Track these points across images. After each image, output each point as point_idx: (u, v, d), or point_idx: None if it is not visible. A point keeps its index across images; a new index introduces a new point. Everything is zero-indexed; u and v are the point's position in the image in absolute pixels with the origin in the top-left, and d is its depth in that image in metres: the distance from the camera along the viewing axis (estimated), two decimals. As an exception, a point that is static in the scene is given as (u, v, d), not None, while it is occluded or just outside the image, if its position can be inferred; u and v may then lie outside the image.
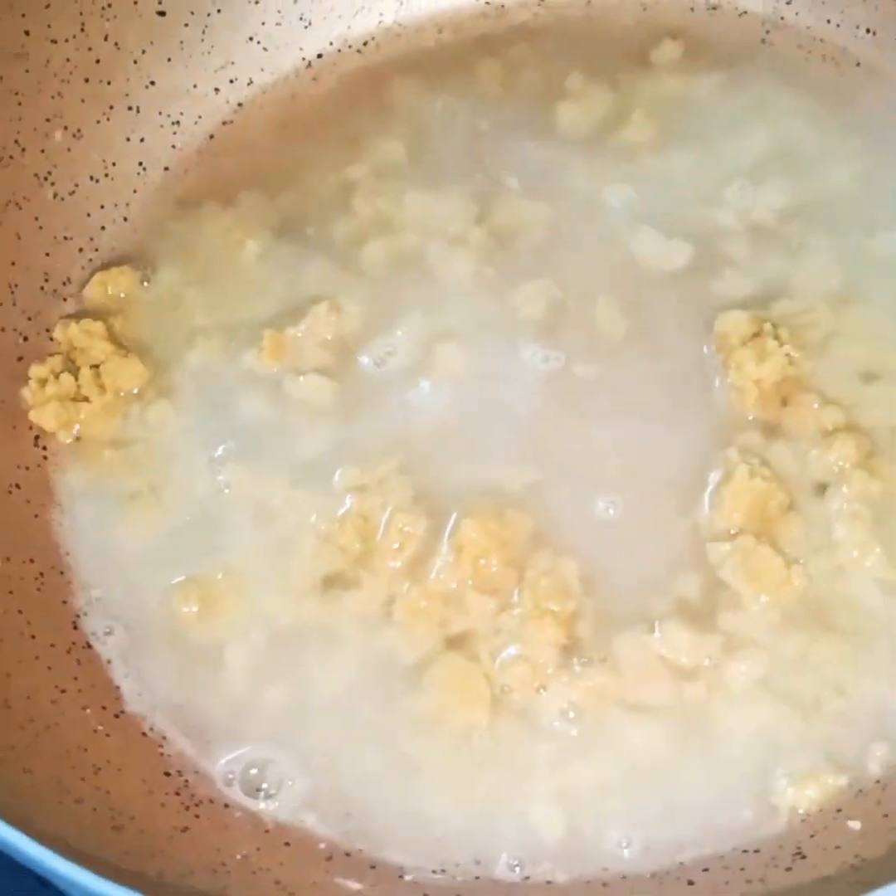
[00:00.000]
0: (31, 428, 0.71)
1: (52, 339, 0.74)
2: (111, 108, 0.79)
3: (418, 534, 0.66)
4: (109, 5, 0.77)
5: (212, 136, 0.82)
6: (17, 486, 0.70)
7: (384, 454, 0.69)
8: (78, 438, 0.72)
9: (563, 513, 0.67)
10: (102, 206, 0.79)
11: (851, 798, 0.58)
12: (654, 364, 0.71)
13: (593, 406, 0.70)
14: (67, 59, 0.76)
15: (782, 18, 0.82)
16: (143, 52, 0.80)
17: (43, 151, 0.76)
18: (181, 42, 0.81)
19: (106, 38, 0.78)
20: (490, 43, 0.84)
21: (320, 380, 0.72)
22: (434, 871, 0.59)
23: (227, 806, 0.61)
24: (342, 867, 0.59)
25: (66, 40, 0.76)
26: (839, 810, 0.58)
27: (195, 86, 0.82)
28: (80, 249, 0.77)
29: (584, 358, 0.71)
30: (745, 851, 0.58)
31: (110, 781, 0.59)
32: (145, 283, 0.77)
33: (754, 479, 0.64)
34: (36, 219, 0.76)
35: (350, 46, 0.85)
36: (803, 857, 0.56)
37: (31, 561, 0.68)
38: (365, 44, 0.85)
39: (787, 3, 0.82)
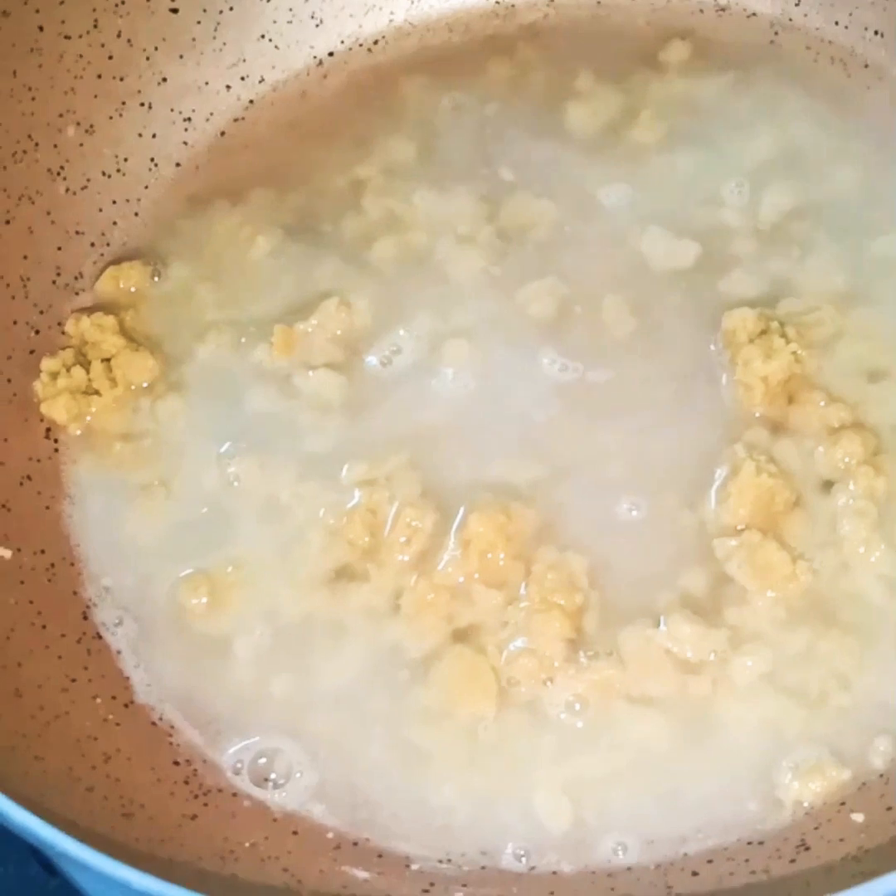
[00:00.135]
0: (42, 420, 0.72)
1: (63, 332, 0.75)
2: (123, 104, 0.80)
3: (426, 528, 0.66)
4: (123, 2, 0.78)
5: (223, 133, 0.83)
6: (29, 477, 0.70)
7: (392, 449, 0.69)
8: (88, 431, 0.72)
9: (570, 508, 0.67)
10: (114, 202, 0.79)
11: (855, 791, 0.59)
12: (661, 361, 0.71)
13: (600, 402, 0.70)
14: (80, 55, 0.77)
15: (791, 20, 0.83)
16: (156, 48, 0.80)
17: (55, 146, 0.77)
18: (193, 39, 0.82)
19: (119, 35, 0.78)
20: (500, 43, 0.84)
21: (329, 375, 0.72)
22: (440, 861, 0.59)
23: (235, 795, 0.62)
24: (349, 856, 0.59)
25: (80, 36, 0.77)
26: (843, 803, 0.58)
27: (207, 83, 0.82)
28: (92, 244, 0.78)
29: (592, 355, 0.72)
30: (749, 843, 0.58)
31: (120, 770, 0.60)
32: (156, 278, 0.77)
33: (761, 476, 0.65)
34: (48, 213, 0.76)
35: (361, 45, 0.85)
36: (807, 849, 0.56)
37: (42, 552, 0.68)
38: (376, 42, 0.85)
39: (796, 5, 0.82)
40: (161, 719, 0.64)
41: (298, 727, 0.63)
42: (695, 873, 0.57)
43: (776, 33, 0.83)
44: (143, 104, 0.80)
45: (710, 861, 0.58)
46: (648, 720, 0.61)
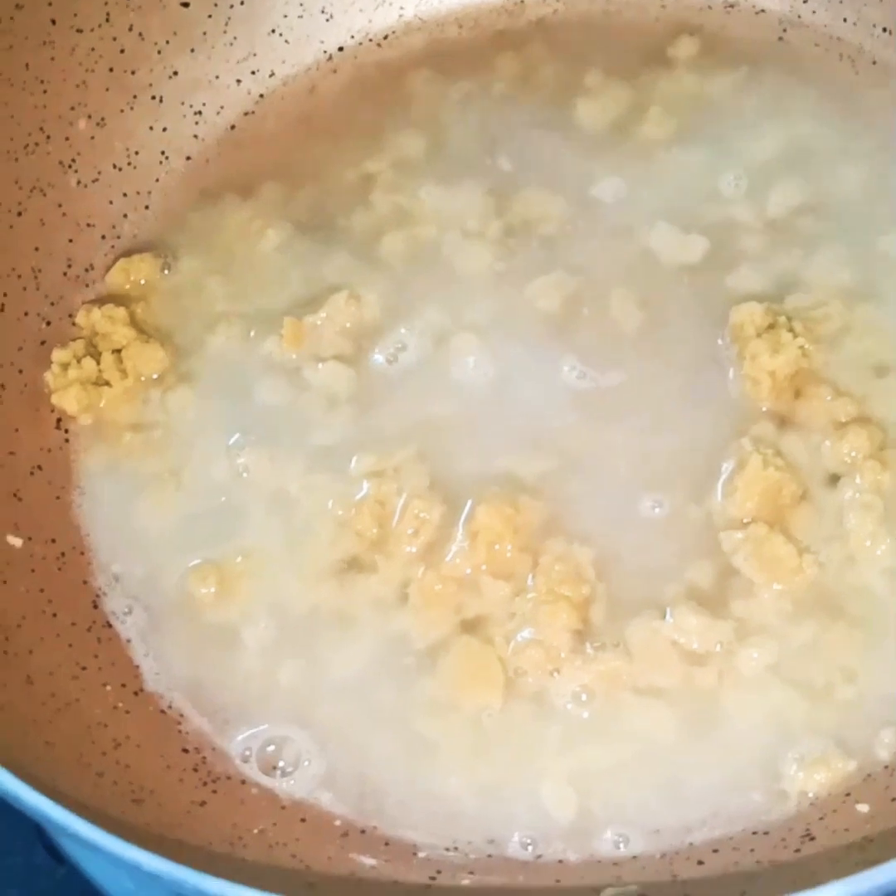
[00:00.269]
0: (52, 411, 0.73)
1: (74, 324, 0.75)
2: (135, 97, 0.80)
3: (434, 519, 0.67)
4: (135, -4, 0.79)
5: (233, 127, 0.83)
6: (40, 467, 0.71)
7: (400, 441, 0.70)
8: (99, 422, 0.73)
9: (577, 500, 0.67)
10: (125, 195, 0.80)
11: (860, 782, 0.59)
12: (668, 356, 0.71)
13: (608, 395, 0.71)
14: (92, 49, 0.78)
15: (799, 17, 0.83)
16: (167, 42, 0.81)
17: (67, 139, 0.77)
18: (204, 33, 0.82)
19: (130, 29, 0.79)
20: (509, 38, 0.85)
21: (339, 367, 0.73)
22: (447, 849, 0.60)
23: (243, 782, 0.62)
24: (357, 843, 0.60)
25: (92, 30, 0.77)
26: (848, 794, 0.59)
27: (217, 77, 0.83)
28: (103, 236, 0.78)
29: (599, 349, 0.72)
30: (755, 833, 0.58)
31: (130, 756, 0.60)
32: (166, 271, 0.78)
33: (767, 469, 0.65)
34: (59, 205, 0.77)
35: (370, 40, 0.86)
36: (812, 839, 0.57)
37: (53, 541, 0.69)
38: (385, 38, 0.86)
39: (804, 2, 0.83)
40: (170, 707, 0.65)
41: (307, 716, 0.64)
42: (700, 863, 0.58)
43: (784, 30, 0.83)
44: (154, 98, 0.81)
45: (715, 851, 0.58)
46: (654, 711, 0.62)
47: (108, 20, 0.78)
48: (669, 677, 0.62)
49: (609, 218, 0.77)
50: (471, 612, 0.65)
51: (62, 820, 0.46)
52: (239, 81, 0.84)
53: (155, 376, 0.74)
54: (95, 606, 0.68)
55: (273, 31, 0.84)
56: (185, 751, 0.63)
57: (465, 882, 0.58)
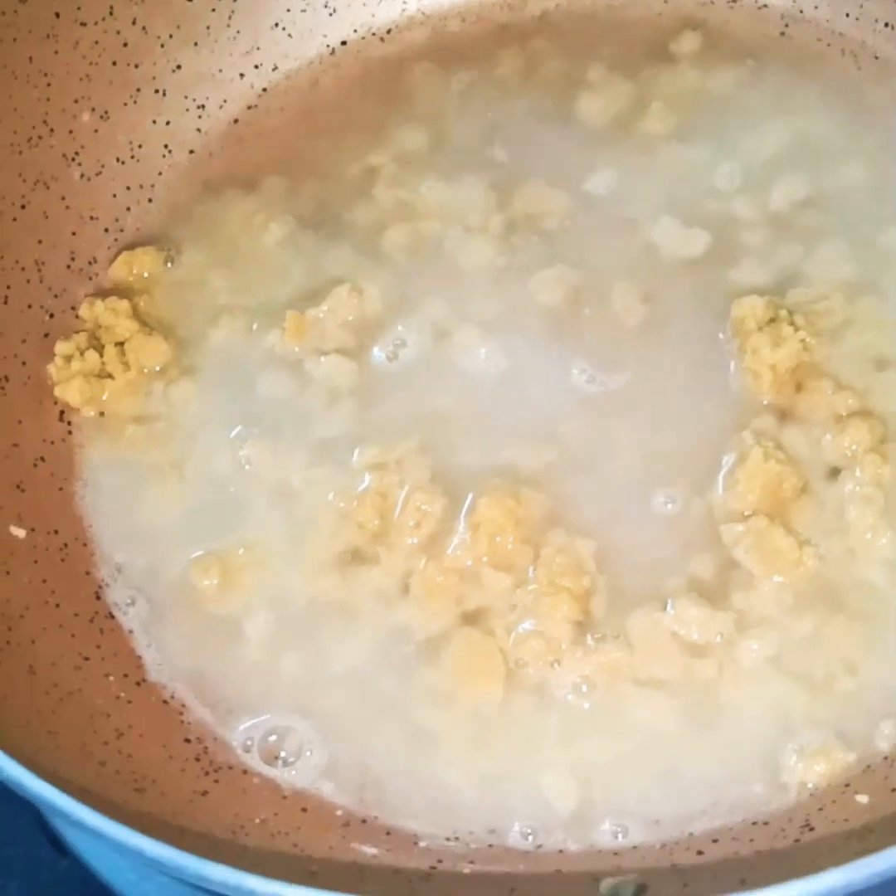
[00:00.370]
0: (56, 403, 0.73)
1: (77, 316, 0.75)
2: (138, 90, 0.80)
3: (435, 512, 0.67)
4: (138, -10, 0.79)
5: (236, 121, 0.83)
6: (43, 459, 0.71)
7: (402, 434, 0.70)
8: (102, 414, 0.73)
9: (578, 493, 0.68)
10: (128, 188, 0.80)
11: (859, 773, 0.59)
12: (670, 349, 0.72)
13: (609, 389, 0.71)
14: (96, 42, 0.78)
15: (801, 12, 0.83)
16: (171, 36, 0.81)
17: (71, 132, 0.77)
18: (208, 27, 0.82)
19: (134, 22, 0.79)
20: (512, 33, 0.85)
21: (341, 360, 0.73)
22: (448, 839, 0.60)
23: (245, 772, 0.62)
24: (358, 833, 0.60)
25: (95, 23, 0.77)
26: (847, 785, 0.59)
27: (220, 70, 0.83)
28: (106, 229, 0.79)
29: (601, 343, 0.72)
30: (754, 824, 0.59)
31: (132, 746, 0.61)
32: (169, 264, 0.78)
33: (768, 462, 0.65)
34: (63, 198, 0.77)
35: (374, 34, 0.86)
36: (811, 830, 0.57)
37: (56, 532, 0.69)
38: (388, 32, 0.86)
39: (807, -3, 0.83)
40: (172, 697, 0.65)
41: (308, 707, 0.64)
42: (700, 852, 0.58)
43: (787, 25, 0.83)
44: (157, 91, 0.81)
45: (715, 841, 0.58)
46: (655, 702, 0.62)
47: (111, 14, 0.78)
48: (670, 669, 0.62)
49: (611, 212, 0.77)
50: (472, 603, 0.65)
51: (66, 807, 0.46)
52: (242, 75, 0.84)
53: (158, 369, 0.74)
54: (98, 597, 0.68)
55: (276, 24, 0.84)
56: (187, 741, 0.63)
57: (467, 871, 0.58)
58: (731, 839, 0.58)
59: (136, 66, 0.80)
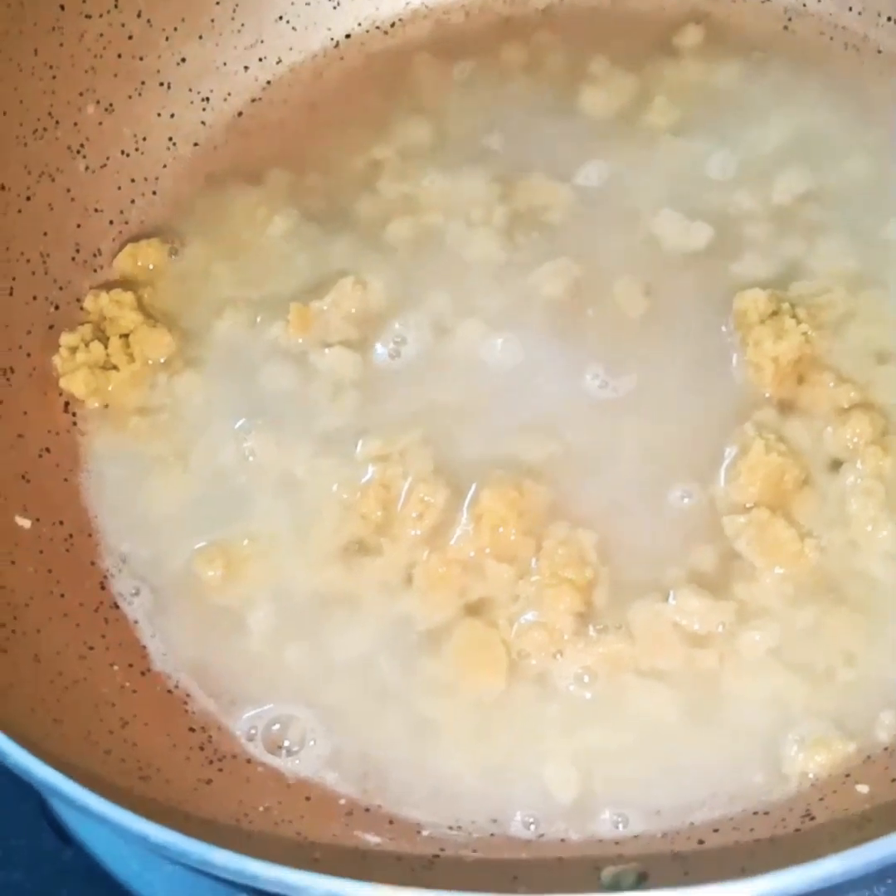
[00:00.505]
0: (61, 394, 0.73)
1: (82, 308, 0.76)
2: (143, 83, 0.80)
3: (438, 503, 0.67)
4: (143, -18, 0.79)
5: (240, 114, 0.84)
6: (48, 450, 0.72)
7: (405, 426, 0.70)
8: (106, 405, 0.73)
9: (581, 484, 0.68)
10: (133, 180, 0.80)
11: (860, 764, 0.59)
12: (672, 342, 0.72)
13: (611, 381, 0.71)
14: (101, 35, 0.78)
15: (804, 6, 0.83)
16: (175, 29, 0.81)
17: (76, 124, 0.78)
18: (212, 20, 0.83)
19: (139, 15, 0.79)
20: (516, 26, 0.85)
21: (344, 353, 0.73)
22: (450, 828, 0.60)
23: (249, 761, 0.63)
24: (361, 822, 0.60)
25: (100, 16, 0.78)
26: (848, 775, 0.59)
27: (225, 63, 0.83)
28: (111, 222, 0.79)
29: (603, 335, 0.73)
30: (755, 813, 0.59)
31: (137, 734, 0.61)
32: (174, 256, 0.78)
33: (770, 454, 0.65)
34: (68, 191, 0.77)
35: (377, 27, 0.86)
36: (812, 819, 0.57)
37: (60, 523, 0.70)
38: (392, 25, 0.86)
39: (809, -10, 0.83)
40: (177, 687, 0.65)
41: (312, 697, 0.64)
42: (700, 842, 0.58)
43: (790, 19, 0.83)
44: (162, 84, 0.81)
45: (715, 830, 0.59)
46: (657, 693, 0.62)
47: (116, 6, 0.78)
48: (671, 660, 0.63)
49: (614, 205, 0.77)
50: (475, 594, 0.65)
51: (72, 793, 0.47)
52: (246, 68, 0.84)
53: (162, 360, 0.74)
54: (103, 587, 0.68)
55: (280, 18, 0.85)
56: (192, 730, 0.63)
57: (469, 860, 0.58)
58: (731, 828, 0.58)
59: (141, 59, 0.80)
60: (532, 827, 0.60)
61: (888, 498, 0.65)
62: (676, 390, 0.70)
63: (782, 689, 0.62)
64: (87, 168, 0.78)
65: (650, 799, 0.60)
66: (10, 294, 0.73)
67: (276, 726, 0.64)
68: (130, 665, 0.65)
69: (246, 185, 0.81)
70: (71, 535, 0.69)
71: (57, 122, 0.77)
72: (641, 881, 0.53)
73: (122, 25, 0.79)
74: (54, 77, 0.76)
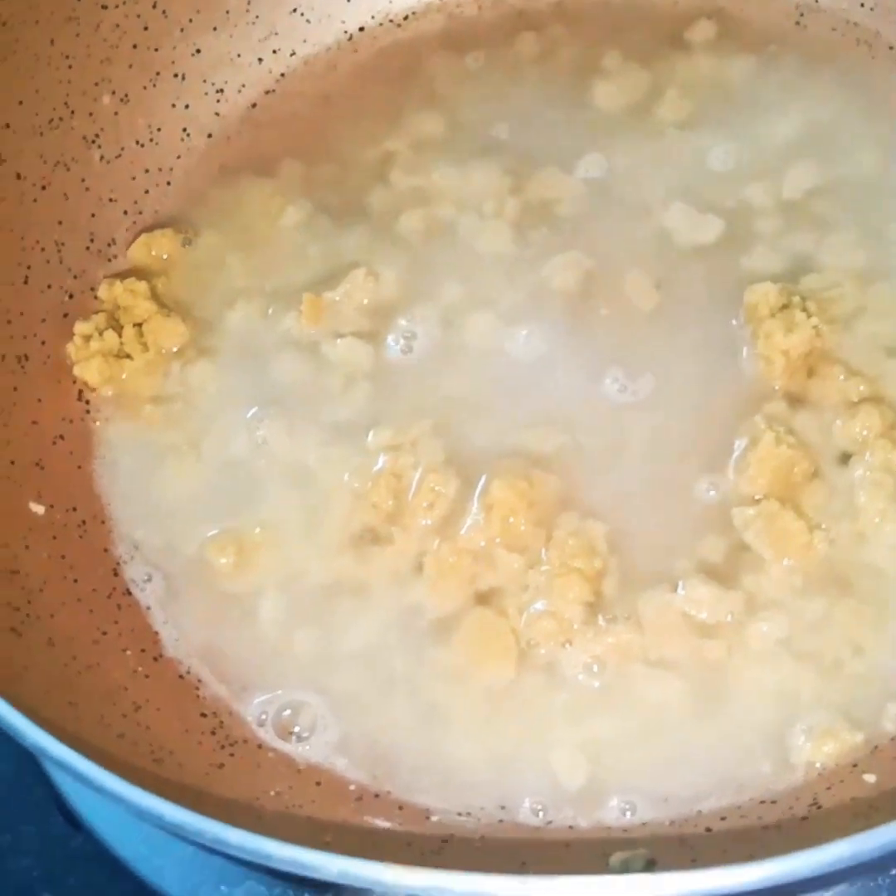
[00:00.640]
0: (74, 382, 0.74)
1: (96, 297, 0.76)
2: (158, 74, 0.81)
3: (449, 493, 0.67)
4: (159, -27, 0.79)
5: (254, 105, 0.84)
6: (61, 437, 0.72)
7: (417, 416, 0.70)
8: (120, 394, 0.74)
9: (591, 476, 0.68)
10: (147, 171, 0.80)
11: (867, 754, 0.60)
12: (683, 334, 0.72)
13: (622, 373, 0.71)
14: (117, 25, 0.78)
15: (816, 1, 0.83)
16: (190, 20, 0.82)
17: (91, 115, 0.78)
18: (227, 12, 0.83)
19: (154, 6, 0.80)
20: (529, 19, 0.85)
21: (356, 343, 0.73)
22: (459, 814, 0.61)
23: (260, 747, 0.63)
24: (371, 807, 0.61)
25: (116, 6, 0.78)
26: (855, 765, 0.59)
27: (239, 55, 0.84)
28: (125, 212, 0.79)
29: (614, 328, 0.73)
30: (762, 802, 0.59)
31: (150, 719, 0.62)
32: (187, 246, 0.79)
33: (780, 447, 0.65)
34: (83, 180, 0.78)
35: (391, 20, 0.86)
36: (819, 808, 0.58)
37: (74, 509, 0.70)
38: (406, 18, 0.86)
39: (822, -13, 0.83)
40: (188, 673, 0.66)
41: (322, 684, 0.65)
42: (708, 829, 0.59)
43: (802, 15, 0.83)
44: (176, 75, 0.82)
45: (723, 818, 0.59)
46: (665, 683, 0.63)
47: (132, -3, 0.79)
48: (680, 650, 0.63)
49: (625, 198, 0.77)
50: (485, 584, 0.66)
51: (87, 772, 0.47)
52: (260, 60, 0.84)
53: (175, 350, 0.75)
54: (116, 574, 0.69)
55: (294, 10, 0.85)
56: (203, 715, 0.64)
57: (477, 845, 0.59)
58: (739, 817, 0.59)
59: (156, 50, 0.80)
60: (540, 814, 0.61)
61: (897, 491, 0.65)
62: (687, 383, 0.70)
63: (790, 680, 0.62)
64: (102, 158, 0.78)
65: (658, 787, 0.61)
66: (26, 282, 0.74)
67: (287, 712, 0.64)
68: (143, 650, 0.66)
69: (259, 176, 0.81)
70: (84, 522, 0.70)
71: (72, 112, 0.77)
72: (650, 867, 0.54)
73: (138, 16, 0.79)
74: (70, 67, 0.76)
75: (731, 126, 0.79)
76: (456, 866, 0.46)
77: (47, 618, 0.64)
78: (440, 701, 0.64)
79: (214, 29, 0.83)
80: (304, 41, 0.85)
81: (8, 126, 0.73)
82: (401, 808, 0.61)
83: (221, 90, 0.83)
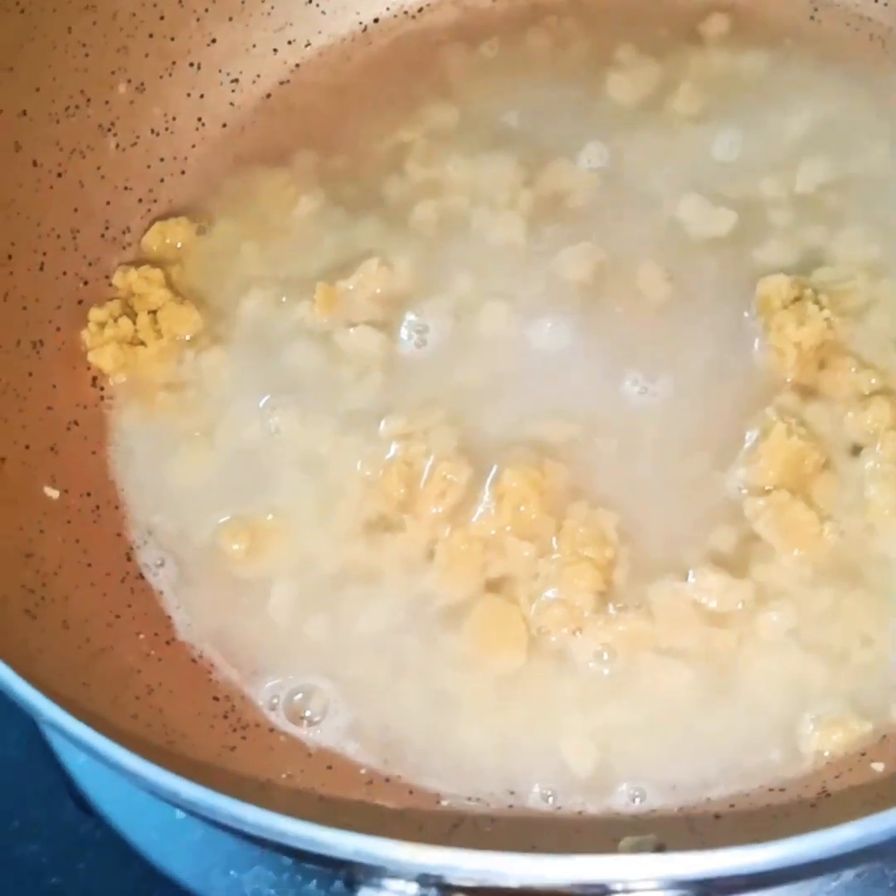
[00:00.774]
0: (89, 369, 0.74)
1: (111, 284, 0.76)
2: (173, 63, 0.81)
3: (460, 481, 0.68)
4: (175, -37, 0.80)
5: (269, 96, 0.84)
6: (76, 423, 0.72)
7: (429, 405, 0.71)
8: (134, 380, 0.74)
9: (602, 466, 0.68)
10: (162, 159, 0.81)
11: (876, 743, 0.60)
12: (695, 326, 0.72)
13: (634, 364, 0.71)
14: (133, 14, 0.79)
15: (830, -4, 0.83)
16: (206, 10, 0.82)
17: (107, 103, 0.78)
18: (242, 2, 0.83)
19: (171, -5, 0.80)
20: (543, 12, 0.85)
21: (369, 332, 0.74)
22: (469, 799, 0.61)
23: (272, 730, 0.64)
24: (381, 791, 0.61)
25: (133, -5, 0.78)
26: (863, 754, 0.60)
27: (254, 45, 0.84)
28: (140, 200, 0.80)
29: (626, 319, 0.73)
30: (771, 790, 0.60)
31: (163, 701, 0.62)
32: (201, 235, 0.79)
33: (791, 438, 0.66)
34: (98, 168, 0.78)
35: (405, 12, 0.86)
36: (828, 796, 0.58)
37: (88, 495, 0.71)
38: (420, 10, 0.87)
39: (836, -19, 0.83)
40: (201, 657, 0.66)
41: (333, 669, 0.65)
42: (717, 816, 0.59)
43: (816, 9, 0.83)
44: (192, 64, 0.82)
45: (732, 805, 0.59)
46: (675, 671, 0.63)
47: (149, -14, 0.79)
48: (690, 638, 0.63)
49: (638, 191, 0.77)
50: (496, 571, 0.66)
51: (104, 749, 0.48)
52: (275, 50, 0.85)
53: (189, 337, 0.75)
54: (129, 559, 0.69)
55: (310, 1, 0.85)
56: (216, 699, 0.64)
57: (487, 830, 0.59)
58: (747, 804, 0.59)
59: (172, 39, 0.81)
60: (550, 799, 0.61)
61: (907, 483, 0.65)
62: (699, 374, 0.71)
63: (799, 670, 0.62)
64: (117, 146, 0.79)
65: (667, 774, 0.61)
66: (41, 269, 0.74)
67: (298, 696, 0.65)
68: (156, 634, 0.66)
69: (273, 166, 0.81)
70: (98, 507, 0.70)
71: (88, 100, 0.77)
72: (659, 852, 0.54)
73: (155, 5, 0.79)
74: (87, 55, 0.77)
75: (744, 119, 0.79)
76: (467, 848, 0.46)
77: (62, 601, 0.64)
78: (451, 687, 0.64)
79: (230, 19, 0.83)
80: (319, 32, 0.86)
81: (24, 113, 0.74)
82: (411, 792, 0.61)
83: (236, 80, 0.83)
